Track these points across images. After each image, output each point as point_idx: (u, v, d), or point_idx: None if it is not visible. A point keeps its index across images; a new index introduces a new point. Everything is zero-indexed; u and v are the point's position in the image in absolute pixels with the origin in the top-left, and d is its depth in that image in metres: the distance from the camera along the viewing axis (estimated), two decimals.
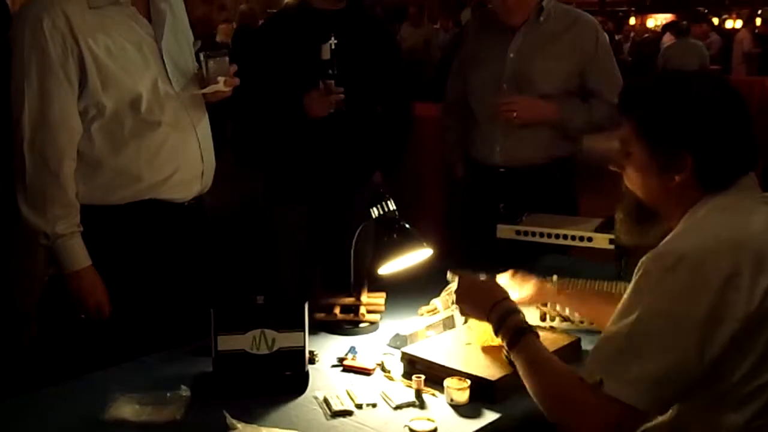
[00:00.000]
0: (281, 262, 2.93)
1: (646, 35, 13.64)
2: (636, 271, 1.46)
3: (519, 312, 1.68)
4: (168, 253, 2.29)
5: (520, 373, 1.57)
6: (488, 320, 1.69)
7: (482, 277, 1.95)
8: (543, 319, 2.12)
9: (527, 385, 1.55)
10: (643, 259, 1.46)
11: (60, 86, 2.12)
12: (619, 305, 1.47)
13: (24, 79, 2.11)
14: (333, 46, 2.69)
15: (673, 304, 1.39)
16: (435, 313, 2.12)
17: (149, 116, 2.22)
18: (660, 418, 1.48)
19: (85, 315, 2.18)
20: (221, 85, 2.28)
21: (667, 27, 13.49)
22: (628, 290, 1.47)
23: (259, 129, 2.84)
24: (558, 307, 2.19)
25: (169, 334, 2.12)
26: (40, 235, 2.15)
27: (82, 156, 2.17)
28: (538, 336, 1.63)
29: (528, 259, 2.61)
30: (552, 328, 2.06)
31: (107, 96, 2.15)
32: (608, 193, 1.83)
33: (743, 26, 13.45)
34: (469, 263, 2.55)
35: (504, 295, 1.73)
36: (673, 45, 9.44)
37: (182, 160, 2.30)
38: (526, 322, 1.65)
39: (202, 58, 2.30)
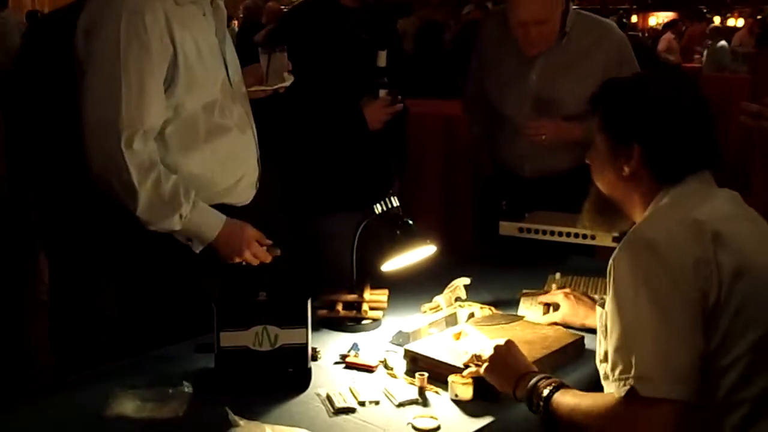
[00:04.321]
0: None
1: (639, 33, 13.38)
2: (609, 266, 1.51)
3: (543, 378, 1.63)
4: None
5: (566, 425, 1.55)
6: (513, 394, 1.65)
7: None
8: (546, 314, 2.11)
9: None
10: (614, 253, 1.51)
11: (158, 87, 1.98)
12: (608, 310, 1.51)
13: (121, 76, 1.93)
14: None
15: (662, 287, 1.44)
16: (438, 311, 2.11)
17: (221, 120, 2.13)
18: None
19: (246, 264, 2.11)
20: (289, 81, 2.19)
21: (667, 26, 13.45)
22: (610, 289, 1.50)
23: (303, 133, 2.69)
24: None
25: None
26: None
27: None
28: (567, 386, 1.60)
29: (544, 257, 2.61)
30: (555, 323, 2.06)
31: (189, 98, 2.04)
32: None
33: (746, 25, 13.34)
34: (477, 260, 2.54)
35: (527, 370, 1.68)
36: None
37: (248, 165, 2.23)
38: (552, 383, 1.61)
39: (263, 53, 2.19)
